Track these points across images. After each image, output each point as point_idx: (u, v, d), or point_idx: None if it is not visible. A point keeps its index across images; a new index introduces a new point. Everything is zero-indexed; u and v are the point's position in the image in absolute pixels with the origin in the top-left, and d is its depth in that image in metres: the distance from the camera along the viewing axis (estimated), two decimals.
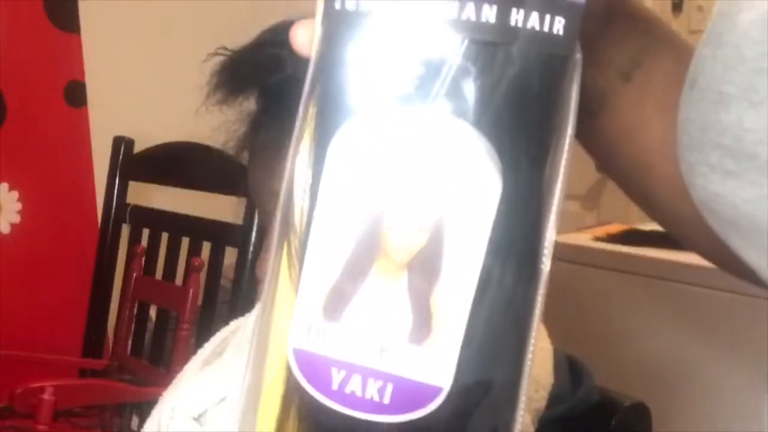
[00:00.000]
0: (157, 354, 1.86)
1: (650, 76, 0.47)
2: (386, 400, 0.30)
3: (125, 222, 1.97)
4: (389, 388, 0.30)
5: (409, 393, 0.30)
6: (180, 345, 1.72)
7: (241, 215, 1.72)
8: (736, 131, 0.33)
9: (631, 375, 1.44)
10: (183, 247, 1.86)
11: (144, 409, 1.69)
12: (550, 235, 0.32)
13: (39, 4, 1.97)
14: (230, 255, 1.77)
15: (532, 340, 0.31)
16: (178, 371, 0.90)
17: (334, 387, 0.30)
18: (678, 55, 0.46)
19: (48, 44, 1.99)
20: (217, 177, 1.72)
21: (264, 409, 0.32)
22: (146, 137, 1.98)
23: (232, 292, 1.75)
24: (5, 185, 1.97)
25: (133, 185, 2.00)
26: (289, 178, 0.32)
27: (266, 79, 0.84)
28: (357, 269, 0.30)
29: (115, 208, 1.97)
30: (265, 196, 0.84)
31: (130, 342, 1.91)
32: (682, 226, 0.48)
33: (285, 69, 0.81)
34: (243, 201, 1.72)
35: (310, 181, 0.32)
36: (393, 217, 0.30)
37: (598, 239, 1.82)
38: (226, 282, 1.81)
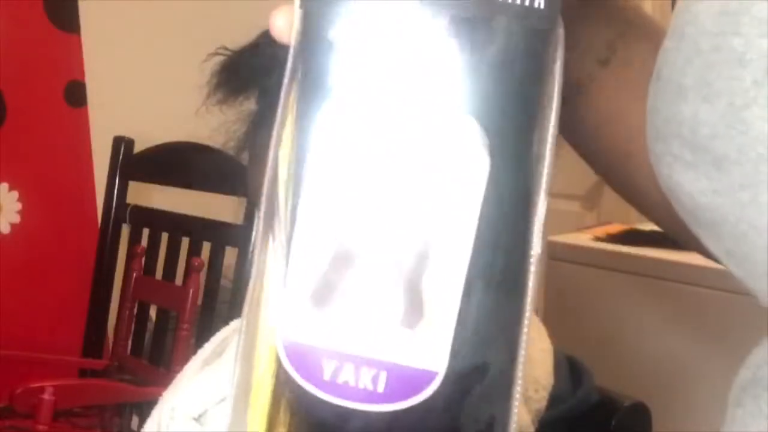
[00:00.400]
0: (157, 354, 1.86)
1: (627, 63, 0.47)
2: (380, 389, 0.29)
3: (125, 222, 1.97)
4: (383, 375, 0.29)
5: (403, 380, 0.29)
6: (180, 345, 1.72)
7: (241, 215, 1.72)
8: (693, 124, 0.33)
9: (631, 375, 1.44)
10: (183, 247, 1.86)
11: (144, 409, 1.69)
12: (540, 214, 0.31)
13: (39, 4, 1.97)
14: (230, 255, 1.77)
15: (527, 322, 0.30)
16: (178, 371, 0.91)
17: (326, 377, 0.29)
18: (654, 41, 0.46)
19: (48, 44, 1.99)
20: (217, 177, 1.72)
21: (254, 404, 0.31)
22: (146, 137, 1.98)
23: (232, 292, 1.75)
24: (5, 185, 1.97)
25: (133, 185, 2.00)
26: (272, 167, 0.31)
27: (266, 79, 0.84)
28: (345, 255, 0.30)
29: (115, 208, 1.98)
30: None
31: (130, 342, 1.91)
32: (658, 212, 0.48)
33: (284, 69, 0.81)
34: (243, 201, 1.72)
35: (293, 169, 0.31)
36: (380, 198, 0.29)
37: (598, 239, 1.82)
38: (226, 282, 1.81)
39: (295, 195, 0.30)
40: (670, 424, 1.44)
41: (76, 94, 2.04)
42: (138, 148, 1.99)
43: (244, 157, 0.92)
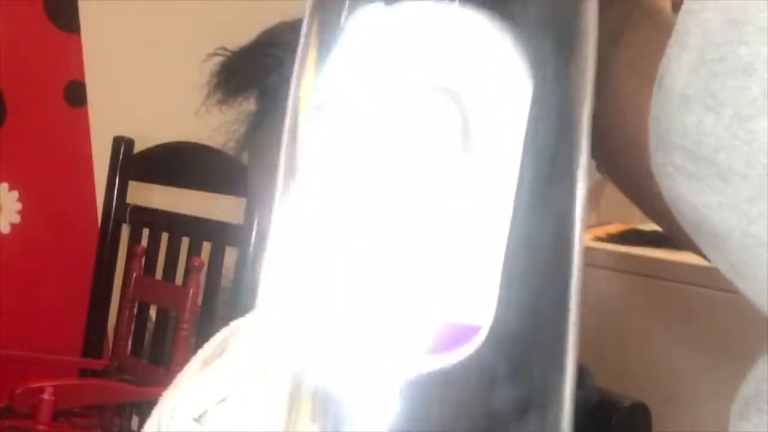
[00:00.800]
0: (157, 354, 1.86)
1: (634, 44, 0.46)
2: (416, 347, 0.26)
3: (125, 222, 1.97)
4: (419, 331, 0.26)
5: (443, 337, 0.26)
6: (180, 345, 1.72)
7: (241, 215, 1.72)
8: (697, 135, 0.32)
9: (631, 375, 1.44)
10: (183, 247, 1.86)
11: (144, 409, 1.69)
12: (585, 151, 0.28)
13: (39, 4, 1.97)
14: (230, 255, 1.78)
15: (576, 269, 0.27)
16: (178, 371, 0.91)
17: (356, 339, 0.26)
18: (660, 26, 0.45)
19: (48, 44, 1.99)
20: (217, 177, 1.72)
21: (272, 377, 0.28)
22: (146, 137, 1.98)
23: (232, 292, 1.75)
24: (5, 185, 1.97)
25: (133, 185, 2.00)
26: (291, 127, 0.28)
27: (266, 79, 0.85)
28: (371, 198, 0.26)
29: (115, 208, 1.98)
30: (265, 196, 0.84)
31: (130, 342, 1.91)
32: (661, 209, 0.47)
33: (284, 69, 0.81)
34: (243, 201, 1.72)
35: (315, 126, 0.28)
36: (417, 127, 0.26)
37: (598, 239, 1.82)
38: (226, 282, 1.81)
39: (316, 155, 0.27)
40: (670, 424, 1.44)
41: (76, 94, 2.04)
42: (138, 148, 1.99)
43: (244, 157, 0.92)
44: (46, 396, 1.54)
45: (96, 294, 1.99)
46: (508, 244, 0.26)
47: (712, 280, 1.55)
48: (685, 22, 0.34)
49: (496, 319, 0.26)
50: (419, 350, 0.26)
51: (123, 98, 2.16)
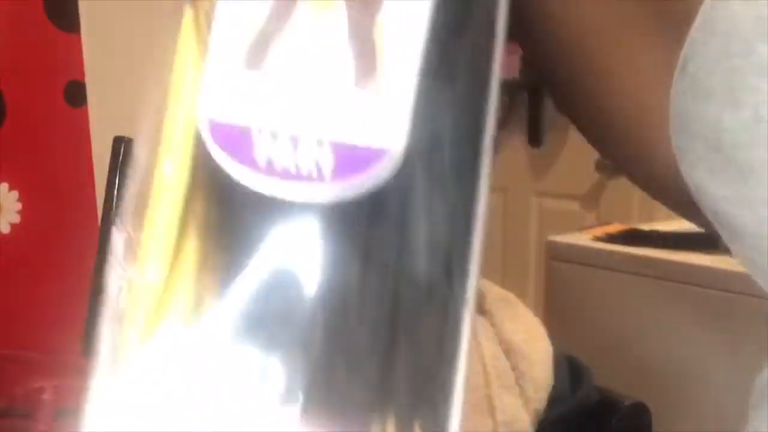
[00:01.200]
0: None
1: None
2: (326, 174, 0.24)
3: None
4: (329, 159, 0.24)
5: (348, 158, 0.24)
6: None
7: None
8: (717, 129, 0.32)
9: (631, 375, 1.44)
10: None
11: None
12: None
13: (39, 4, 1.97)
14: None
15: (492, 100, 0.25)
16: None
17: (261, 164, 0.24)
18: None
19: (48, 44, 1.99)
20: None
21: (157, 208, 0.25)
22: None
23: None
24: (5, 185, 1.97)
25: None
26: None
27: None
28: (284, 5, 0.25)
29: (115, 209, 1.97)
30: None
31: None
32: (676, 193, 0.42)
33: None
34: None
35: None
36: None
37: (598, 239, 1.82)
38: None
39: None
40: (670, 424, 1.44)
41: (76, 94, 2.04)
42: None
43: None
44: (46, 396, 1.54)
45: (96, 294, 1.99)
46: (421, 69, 0.24)
47: (712, 280, 1.55)
48: (716, 8, 0.33)
49: (408, 148, 0.24)
50: (325, 173, 0.24)
51: (123, 98, 2.15)
